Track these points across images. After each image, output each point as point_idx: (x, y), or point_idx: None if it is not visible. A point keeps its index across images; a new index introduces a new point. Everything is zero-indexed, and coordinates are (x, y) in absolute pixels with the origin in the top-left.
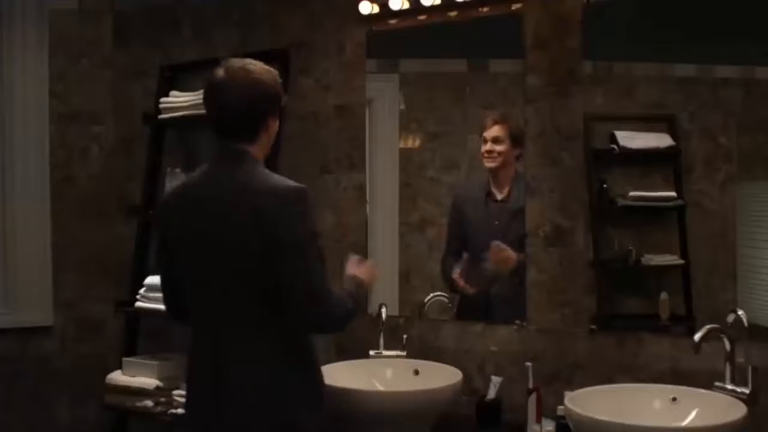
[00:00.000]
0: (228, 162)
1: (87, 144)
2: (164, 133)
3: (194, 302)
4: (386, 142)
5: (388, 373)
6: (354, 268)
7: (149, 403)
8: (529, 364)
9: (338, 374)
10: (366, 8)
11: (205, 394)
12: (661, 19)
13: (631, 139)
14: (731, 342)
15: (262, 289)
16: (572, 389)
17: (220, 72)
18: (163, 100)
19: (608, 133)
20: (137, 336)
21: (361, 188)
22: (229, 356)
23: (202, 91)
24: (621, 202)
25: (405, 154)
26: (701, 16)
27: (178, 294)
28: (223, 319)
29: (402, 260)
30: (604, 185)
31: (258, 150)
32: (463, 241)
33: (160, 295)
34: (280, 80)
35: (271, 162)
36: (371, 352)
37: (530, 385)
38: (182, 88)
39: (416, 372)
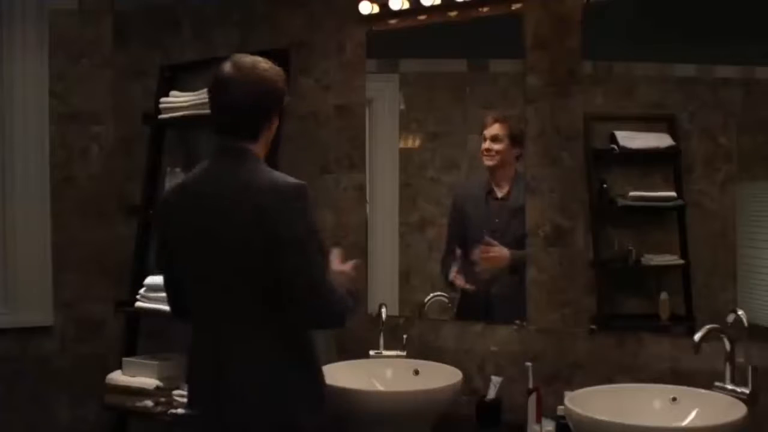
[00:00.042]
0: (229, 160)
1: (87, 144)
2: (164, 133)
3: (195, 300)
4: (386, 142)
5: (388, 373)
6: (338, 264)
7: (149, 403)
8: (529, 364)
9: (338, 374)
10: (366, 8)
11: (206, 392)
12: (661, 19)
13: (631, 139)
14: (731, 342)
15: (263, 287)
16: (572, 389)
17: (228, 67)
18: (163, 100)
19: (608, 133)
20: (137, 336)
21: (361, 188)
22: (229, 354)
23: (202, 91)
24: (621, 202)
25: (405, 154)
26: (701, 16)
27: (181, 294)
28: (224, 316)
29: (402, 260)
30: (604, 185)
31: (259, 148)
32: (463, 240)
33: (160, 295)
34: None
35: (271, 161)
36: (371, 352)
37: (530, 385)
38: (182, 88)
39: (416, 372)
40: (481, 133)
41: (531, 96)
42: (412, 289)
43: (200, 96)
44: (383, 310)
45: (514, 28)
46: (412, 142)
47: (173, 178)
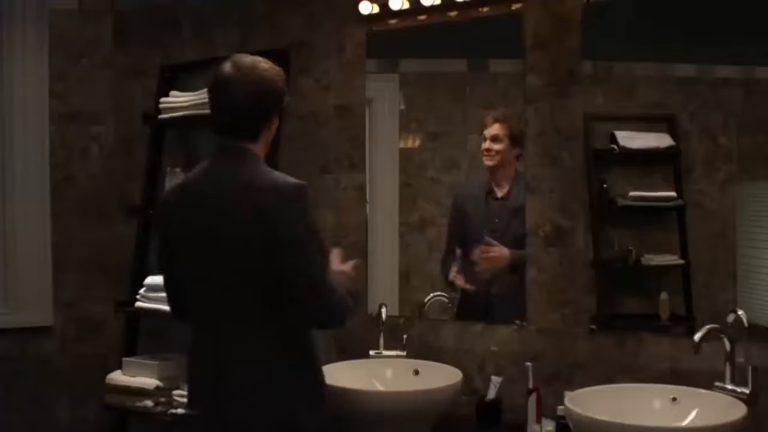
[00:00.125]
0: (229, 159)
1: (87, 144)
2: (164, 133)
3: (195, 300)
4: (386, 142)
5: (388, 373)
6: (338, 264)
7: (149, 403)
8: (529, 364)
9: (338, 374)
10: (366, 8)
11: (206, 392)
12: (661, 19)
13: (631, 139)
14: (731, 342)
15: (263, 287)
16: (572, 389)
17: (228, 67)
18: (163, 100)
19: (608, 133)
20: (137, 336)
21: (361, 188)
22: (229, 354)
23: (202, 91)
24: (621, 202)
25: (405, 154)
26: (701, 16)
27: (181, 294)
28: (224, 316)
29: (402, 260)
30: (604, 185)
31: (259, 148)
32: (463, 240)
33: (160, 295)
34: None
35: (271, 161)
36: (371, 352)
37: (530, 385)
38: (182, 88)
39: (416, 372)
40: (481, 133)
41: (531, 96)
42: (412, 289)
43: (200, 96)
44: (383, 310)
45: (514, 28)
46: (412, 142)
47: (173, 178)
